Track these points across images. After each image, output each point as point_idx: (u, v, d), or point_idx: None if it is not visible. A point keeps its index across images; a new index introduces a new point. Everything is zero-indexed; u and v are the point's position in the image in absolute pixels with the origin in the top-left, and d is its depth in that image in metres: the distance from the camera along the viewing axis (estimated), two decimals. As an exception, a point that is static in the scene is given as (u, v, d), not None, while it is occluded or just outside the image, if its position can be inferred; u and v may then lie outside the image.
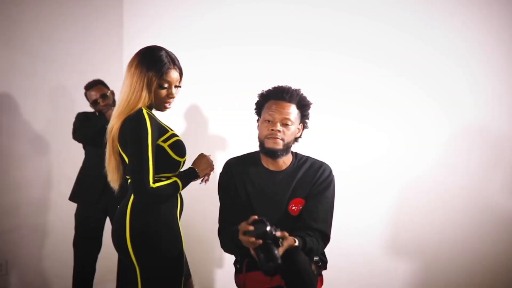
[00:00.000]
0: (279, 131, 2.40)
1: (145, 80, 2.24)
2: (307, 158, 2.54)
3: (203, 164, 2.40)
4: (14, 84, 3.50)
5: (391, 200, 3.31)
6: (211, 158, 2.47)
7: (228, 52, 3.64)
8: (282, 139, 2.40)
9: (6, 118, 3.50)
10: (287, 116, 2.40)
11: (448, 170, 3.17)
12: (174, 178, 2.24)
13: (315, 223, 2.36)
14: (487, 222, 3.09)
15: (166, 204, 2.28)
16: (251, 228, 2.08)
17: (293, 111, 2.43)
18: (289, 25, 3.48)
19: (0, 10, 3.43)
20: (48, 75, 3.64)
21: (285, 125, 2.40)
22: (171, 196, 2.26)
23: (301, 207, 2.42)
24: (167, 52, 2.28)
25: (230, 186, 2.50)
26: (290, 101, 2.44)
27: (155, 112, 2.34)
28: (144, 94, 2.24)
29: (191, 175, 2.35)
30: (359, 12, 3.32)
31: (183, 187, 2.27)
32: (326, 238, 2.41)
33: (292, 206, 2.42)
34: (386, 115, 3.30)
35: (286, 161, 2.49)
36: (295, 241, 2.21)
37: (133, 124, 2.18)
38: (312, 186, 2.44)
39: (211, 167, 2.43)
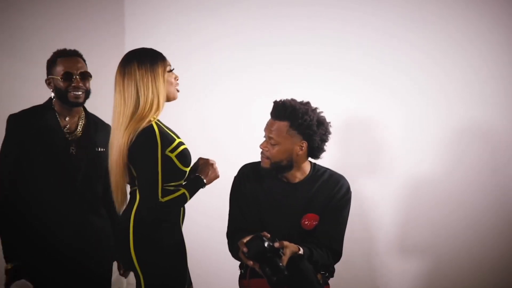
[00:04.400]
0: (264, 148, 2.39)
1: (161, 75, 2.22)
2: (325, 170, 2.50)
3: (211, 173, 2.35)
4: (15, 92, 3.51)
5: (396, 204, 3.30)
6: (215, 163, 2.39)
7: (231, 55, 3.67)
8: (268, 158, 2.39)
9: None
10: (270, 135, 2.38)
11: (453, 171, 3.17)
12: (183, 190, 2.25)
13: (329, 243, 2.38)
14: (491, 223, 3.08)
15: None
16: (245, 249, 2.11)
17: (279, 128, 2.35)
18: (294, 27, 3.49)
19: (3, 19, 3.45)
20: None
21: (270, 143, 2.38)
22: (179, 208, 2.31)
23: (314, 223, 2.41)
24: None
25: (243, 193, 2.50)
26: (278, 119, 2.37)
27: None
28: (163, 91, 2.23)
29: (197, 185, 2.32)
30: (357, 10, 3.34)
31: (191, 198, 2.28)
32: (338, 257, 2.44)
33: (305, 221, 2.42)
34: (390, 112, 3.29)
35: (301, 172, 2.46)
36: (299, 249, 2.25)
37: (143, 138, 2.17)
38: (328, 203, 2.42)
39: (217, 174, 2.37)
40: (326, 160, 2.52)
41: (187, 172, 2.32)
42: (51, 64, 2.51)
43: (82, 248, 2.51)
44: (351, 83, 3.41)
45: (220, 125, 3.62)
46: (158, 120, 2.26)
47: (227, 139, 3.57)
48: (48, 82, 2.52)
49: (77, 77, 2.47)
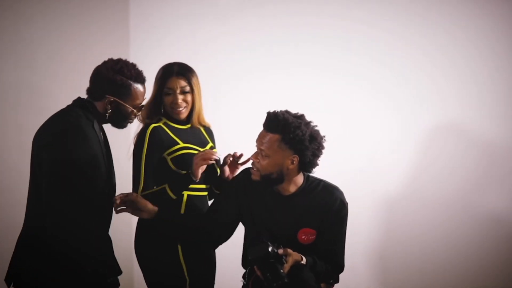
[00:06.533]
0: (254, 160, 2.34)
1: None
2: (319, 182, 2.42)
3: (193, 165, 2.38)
4: (21, 101, 3.54)
5: (399, 206, 3.31)
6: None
7: (236, 56, 3.72)
8: (258, 170, 2.33)
9: (16, 136, 3.53)
10: (261, 147, 2.31)
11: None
12: (164, 185, 2.38)
13: (330, 258, 2.36)
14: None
15: None
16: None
17: (270, 141, 2.28)
18: (299, 31, 3.51)
19: (9, 28, 3.48)
20: (55, 92, 3.68)
21: (261, 155, 2.32)
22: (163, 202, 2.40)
23: (312, 238, 2.36)
24: None
25: (234, 197, 2.45)
26: (270, 131, 2.29)
27: None
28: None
29: (184, 180, 2.39)
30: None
31: (176, 192, 2.36)
32: (340, 270, 2.42)
33: (302, 236, 2.36)
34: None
35: (293, 185, 2.39)
36: (302, 258, 2.24)
37: (136, 138, 2.46)
38: (324, 218, 2.36)
39: (200, 160, 2.36)
40: (322, 163, 2.47)
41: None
42: (123, 87, 2.22)
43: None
44: (347, 84, 3.44)
45: (227, 127, 3.64)
46: (164, 126, 2.43)
47: (233, 142, 3.59)
48: (110, 102, 2.23)
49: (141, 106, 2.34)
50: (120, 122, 2.30)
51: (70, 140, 2.14)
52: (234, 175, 2.55)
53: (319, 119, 2.42)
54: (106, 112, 2.25)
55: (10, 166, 3.52)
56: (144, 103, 2.36)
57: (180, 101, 2.45)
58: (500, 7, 3.24)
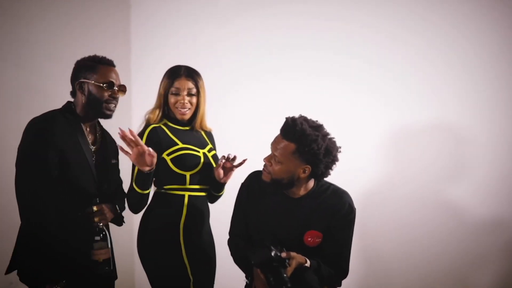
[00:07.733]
0: (267, 163, 2.33)
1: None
2: (329, 186, 2.44)
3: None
4: (23, 103, 3.54)
5: (401, 209, 3.33)
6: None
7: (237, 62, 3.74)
8: (270, 173, 2.33)
9: (17, 137, 3.52)
10: (275, 152, 2.32)
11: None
12: (132, 182, 2.43)
13: (335, 262, 2.36)
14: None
15: (168, 213, 2.48)
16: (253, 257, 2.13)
17: (285, 148, 2.29)
18: (300, 33, 3.53)
19: (10, 30, 3.48)
20: (56, 93, 3.67)
21: (274, 160, 2.31)
22: (133, 199, 2.41)
23: (318, 240, 2.37)
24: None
25: (244, 203, 2.49)
26: (286, 138, 2.30)
27: None
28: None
29: (142, 174, 2.37)
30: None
31: (141, 186, 2.35)
32: (344, 275, 2.42)
33: (308, 238, 2.38)
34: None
35: (303, 188, 2.41)
36: (306, 261, 2.25)
37: None
38: (331, 221, 2.37)
39: (135, 159, 2.34)
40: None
41: (187, 177, 2.43)
42: (89, 68, 2.33)
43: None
44: (347, 85, 3.46)
45: (228, 129, 3.65)
46: (163, 127, 2.50)
47: (235, 144, 3.60)
48: (80, 86, 2.33)
49: (116, 88, 2.36)
50: (97, 107, 2.32)
51: (29, 134, 2.29)
52: (227, 178, 2.55)
53: (319, 119, 2.45)
54: (83, 102, 2.34)
55: (11, 167, 3.52)
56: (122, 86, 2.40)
57: (186, 101, 2.48)
58: (497, 7, 3.26)
